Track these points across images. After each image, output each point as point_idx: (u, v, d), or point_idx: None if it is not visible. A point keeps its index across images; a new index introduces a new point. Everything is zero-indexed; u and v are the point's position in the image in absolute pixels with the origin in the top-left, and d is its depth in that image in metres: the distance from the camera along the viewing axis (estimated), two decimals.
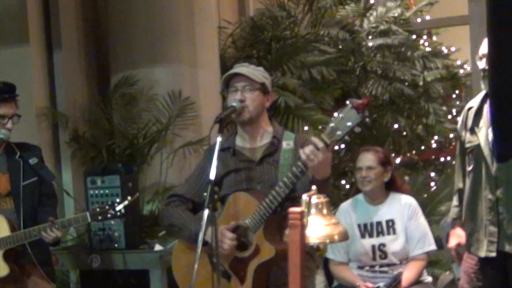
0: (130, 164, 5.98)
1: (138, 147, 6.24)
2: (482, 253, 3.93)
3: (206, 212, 3.34)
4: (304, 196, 2.84)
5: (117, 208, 4.31)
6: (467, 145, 4.04)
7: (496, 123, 2.46)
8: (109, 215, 4.33)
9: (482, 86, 3.98)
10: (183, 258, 3.97)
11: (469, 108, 4.07)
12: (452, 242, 4.28)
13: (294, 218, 2.77)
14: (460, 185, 4.24)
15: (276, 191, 3.60)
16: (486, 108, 3.92)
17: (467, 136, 4.04)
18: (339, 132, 3.36)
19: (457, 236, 4.25)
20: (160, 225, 5.28)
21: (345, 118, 3.34)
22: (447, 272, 5.75)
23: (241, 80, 3.82)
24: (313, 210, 2.88)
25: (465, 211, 4.11)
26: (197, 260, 3.33)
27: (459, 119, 4.20)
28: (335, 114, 3.40)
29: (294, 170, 3.54)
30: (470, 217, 4.04)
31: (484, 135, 3.90)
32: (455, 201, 4.33)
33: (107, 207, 4.33)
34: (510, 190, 3.82)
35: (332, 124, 3.38)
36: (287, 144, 3.84)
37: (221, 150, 3.63)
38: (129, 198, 4.41)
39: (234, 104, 3.75)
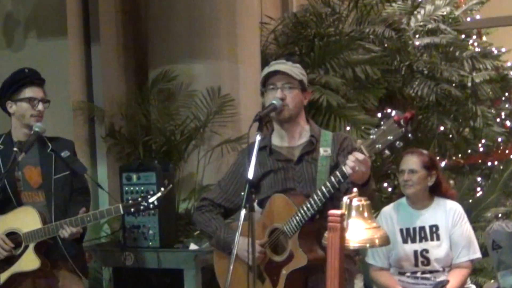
0: (167, 161, 5.91)
1: (175, 144, 6.13)
2: None
3: (243, 213, 3.28)
4: (345, 199, 2.74)
5: (150, 200, 4.21)
6: None
7: None
8: (142, 207, 4.23)
9: None
10: (223, 261, 3.91)
11: None
12: None
13: (333, 220, 2.64)
14: None
15: (313, 199, 3.54)
16: None
17: None
18: (378, 146, 3.28)
19: None
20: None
21: (386, 131, 3.25)
22: (492, 281, 5.57)
23: (281, 78, 3.74)
24: (353, 213, 2.79)
25: None
26: (232, 261, 3.31)
27: None
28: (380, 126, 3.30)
29: (332, 180, 3.48)
30: None
31: None
32: None
33: (140, 199, 4.24)
34: None
35: (373, 136, 3.31)
36: (324, 150, 3.76)
37: (259, 149, 3.54)
38: (162, 189, 4.30)
39: (274, 102, 3.67)
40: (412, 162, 4.68)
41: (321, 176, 3.69)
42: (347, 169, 3.37)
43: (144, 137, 6.21)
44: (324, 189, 3.50)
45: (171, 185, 4.66)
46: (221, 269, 3.94)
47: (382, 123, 3.28)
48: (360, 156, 3.32)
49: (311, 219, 3.56)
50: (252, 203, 3.32)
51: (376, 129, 3.31)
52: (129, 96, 6.58)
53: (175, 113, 6.21)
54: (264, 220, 3.73)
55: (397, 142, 3.25)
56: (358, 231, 2.76)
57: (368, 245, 2.82)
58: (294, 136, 3.82)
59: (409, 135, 3.25)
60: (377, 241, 2.79)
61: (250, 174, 3.35)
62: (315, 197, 3.52)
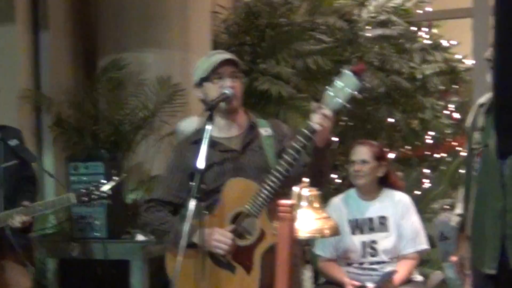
0: (115, 150, 5.84)
1: (124, 133, 6.06)
2: (485, 269, 3.50)
3: (193, 203, 3.23)
4: (295, 188, 2.70)
5: (103, 189, 4.17)
6: (475, 146, 3.60)
7: (498, 118, 2.36)
8: (94, 196, 4.19)
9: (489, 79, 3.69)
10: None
11: (481, 105, 3.63)
12: (456, 256, 3.89)
13: (284, 211, 2.61)
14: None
15: (277, 170, 3.43)
16: None
17: (475, 135, 3.61)
18: (339, 100, 3.25)
19: (461, 249, 3.84)
20: None
21: (344, 86, 3.23)
22: (438, 271, 5.59)
23: (229, 68, 3.68)
24: (303, 203, 2.75)
25: (470, 221, 3.67)
26: (181, 252, 3.23)
27: (469, 116, 3.75)
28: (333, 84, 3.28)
29: (295, 146, 3.38)
30: (475, 228, 3.62)
31: (494, 135, 3.39)
32: (459, 209, 3.88)
33: (92, 188, 4.19)
34: None
35: (330, 93, 3.26)
36: (265, 130, 3.73)
37: (194, 143, 3.56)
38: (115, 178, 4.26)
39: (226, 91, 3.60)
40: (363, 152, 4.68)
41: (270, 155, 3.65)
42: (315, 126, 3.31)
43: (92, 127, 6.11)
44: (287, 158, 3.40)
45: (124, 175, 4.61)
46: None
47: (335, 79, 3.25)
48: (326, 111, 3.27)
49: (276, 194, 3.43)
50: (202, 194, 3.28)
51: (330, 87, 3.27)
52: (78, 85, 6.46)
53: (124, 102, 6.13)
54: (222, 208, 3.61)
55: (357, 94, 3.24)
56: (308, 221, 2.74)
57: (318, 235, 2.80)
58: (236, 126, 3.77)
59: (367, 85, 3.22)
60: (326, 232, 2.78)
61: (201, 164, 3.30)
62: (279, 167, 3.42)
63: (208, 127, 3.42)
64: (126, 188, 5.78)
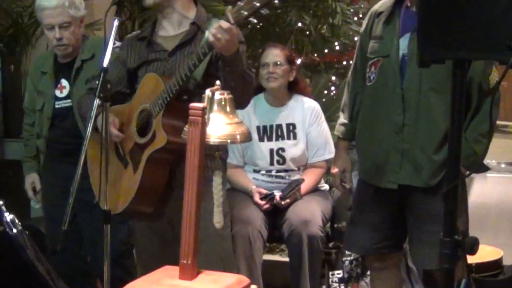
0: (13, 45, 5.61)
1: (23, 26, 5.81)
2: (381, 183, 3.47)
3: (96, 102, 3.16)
4: (207, 91, 2.56)
5: None
6: (371, 56, 3.49)
7: (420, 26, 2.24)
8: None
9: None
10: (90, 152, 3.60)
11: (378, 14, 3.51)
12: (336, 167, 3.81)
13: (195, 114, 2.46)
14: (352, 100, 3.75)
15: (179, 75, 3.25)
16: (401, 15, 3.39)
17: (371, 44, 3.49)
18: (244, 12, 3.04)
19: (343, 161, 3.83)
20: None
21: None
22: None
23: None
24: (215, 107, 2.61)
25: (361, 132, 3.61)
26: (85, 146, 3.20)
27: (364, 23, 3.64)
28: None
29: (198, 51, 3.19)
30: (368, 140, 3.55)
31: (395, 46, 3.37)
32: (343, 118, 3.81)
33: None
34: (420, 115, 3.33)
35: (240, 3, 3.06)
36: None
37: (138, 39, 3.46)
38: None
39: None
40: (276, 54, 4.61)
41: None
42: (210, 37, 3.10)
43: None
44: (189, 62, 3.22)
45: None
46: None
47: None
48: (224, 24, 3.06)
49: (177, 98, 3.29)
50: (106, 93, 3.15)
51: None
52: None
53: None
54: (135, 101, 3.47)
55: (263, 10, 3.09)
56: (219, 126, 2.61)
57: (229, 141, 2.68)
58: (172, 25, 3.50)
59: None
60: (238, 137, 2.65)
61: (105, 62, 3.16)
62: (181, 72, 3.24)
63: (116, 22, 3.28)
64: (24, 85, 5.54)
